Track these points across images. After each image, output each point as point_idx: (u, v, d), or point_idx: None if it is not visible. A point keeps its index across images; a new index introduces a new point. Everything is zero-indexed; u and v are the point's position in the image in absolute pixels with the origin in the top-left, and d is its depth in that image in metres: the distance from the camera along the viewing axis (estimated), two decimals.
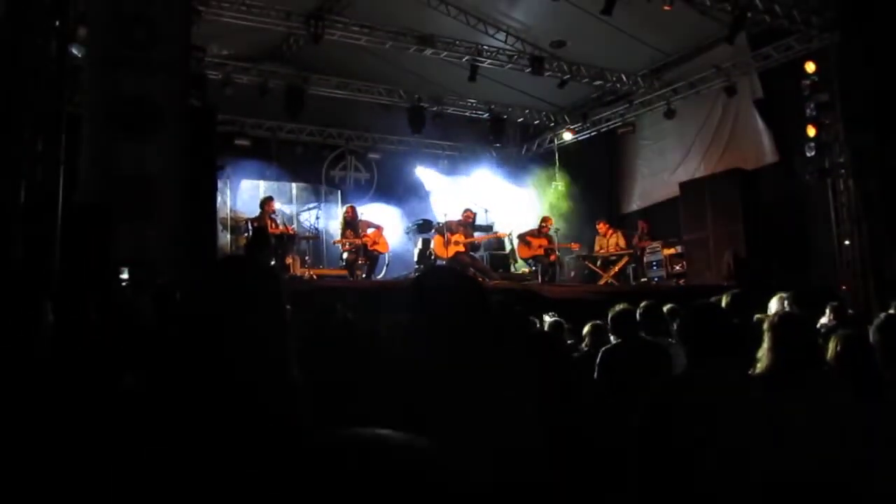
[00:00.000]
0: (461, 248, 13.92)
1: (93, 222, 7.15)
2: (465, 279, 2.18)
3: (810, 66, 13.77)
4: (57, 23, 6.91)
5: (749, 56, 15.02)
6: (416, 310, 2.05)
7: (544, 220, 15.27)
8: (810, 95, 13.74)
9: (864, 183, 13.40)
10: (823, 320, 6.95)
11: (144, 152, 8.64)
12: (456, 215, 14.55)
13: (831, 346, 3.76)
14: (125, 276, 7.25)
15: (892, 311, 6.79)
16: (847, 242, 13.62)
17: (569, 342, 7.13)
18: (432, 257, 13.98)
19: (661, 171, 17.79)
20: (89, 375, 2.83)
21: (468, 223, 14.50)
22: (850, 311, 6.77)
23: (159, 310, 5.23)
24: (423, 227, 15.41)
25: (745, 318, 5.12)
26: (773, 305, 6.39)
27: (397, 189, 18.62)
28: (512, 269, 15.73)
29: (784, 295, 6.53)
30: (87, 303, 4.00)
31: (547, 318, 7.31)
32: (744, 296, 6.01)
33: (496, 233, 15.92)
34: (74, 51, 9.36)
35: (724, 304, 5.76)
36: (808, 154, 13.81)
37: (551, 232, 14.83)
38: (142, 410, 1.96)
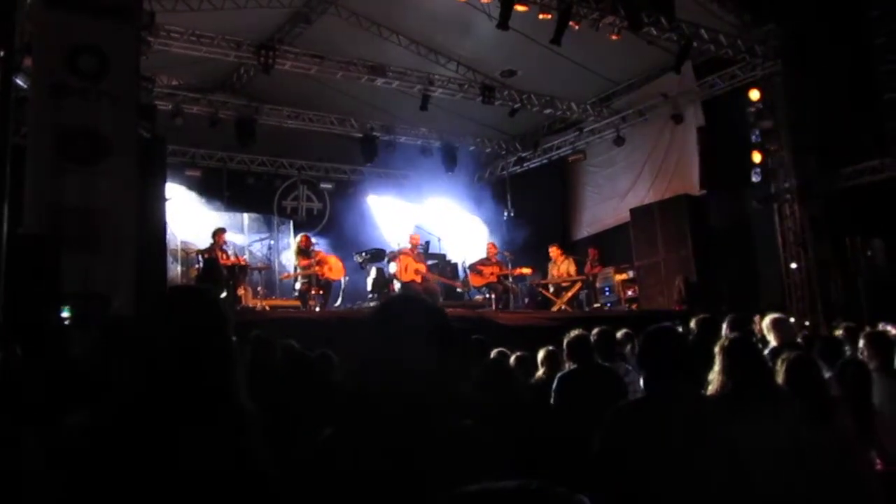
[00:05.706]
0: (418, 279, 13.85)
1: (38, 254, 6.99)
2: (432, 307, 2.16)
3: (755, 94, 14.12)
4: (2, 53, 6.79)
5: (695, 84, 15.32)
6: (381, 338, 2.02)
7: (490, 246, 15.38)
8: (755, 122, 14.07)
9: (808, 207, 13.74)
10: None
11: (92, 183, 8.48)
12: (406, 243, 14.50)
13: (779, 368, 3.81)
14: (65, 313, 7.06)
15: (836, 333, 6.95)
16: (794, 265, 13.91)
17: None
18: (394, 282, 13.89)
19: (612, 197, 18.02)
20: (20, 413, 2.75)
21: (416, 248, 14.43)
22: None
23: (107, 342, 5.12)
24: (376, 256, 15.32)
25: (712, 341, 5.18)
26: None
27: (350, 218, 18.53)
28: (465, 298, 15.72)
29: None
30: (11, 339, 3.89)
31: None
32: (712, 320, 6.08)
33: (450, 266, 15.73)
34: (19, 81, 9.20)
35: (692, 328, 5.84)
36: (754, 179, 14.12)
37: (499, 258, 14.83)
38: (88, 448, 1.91)
